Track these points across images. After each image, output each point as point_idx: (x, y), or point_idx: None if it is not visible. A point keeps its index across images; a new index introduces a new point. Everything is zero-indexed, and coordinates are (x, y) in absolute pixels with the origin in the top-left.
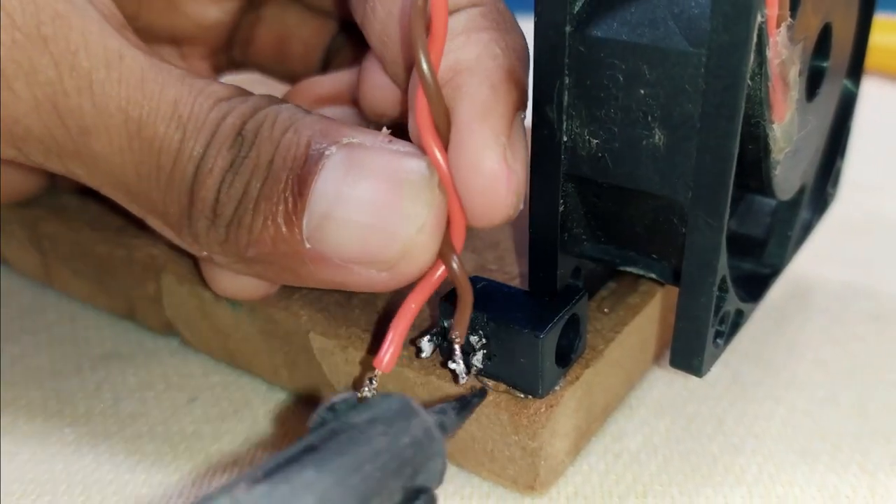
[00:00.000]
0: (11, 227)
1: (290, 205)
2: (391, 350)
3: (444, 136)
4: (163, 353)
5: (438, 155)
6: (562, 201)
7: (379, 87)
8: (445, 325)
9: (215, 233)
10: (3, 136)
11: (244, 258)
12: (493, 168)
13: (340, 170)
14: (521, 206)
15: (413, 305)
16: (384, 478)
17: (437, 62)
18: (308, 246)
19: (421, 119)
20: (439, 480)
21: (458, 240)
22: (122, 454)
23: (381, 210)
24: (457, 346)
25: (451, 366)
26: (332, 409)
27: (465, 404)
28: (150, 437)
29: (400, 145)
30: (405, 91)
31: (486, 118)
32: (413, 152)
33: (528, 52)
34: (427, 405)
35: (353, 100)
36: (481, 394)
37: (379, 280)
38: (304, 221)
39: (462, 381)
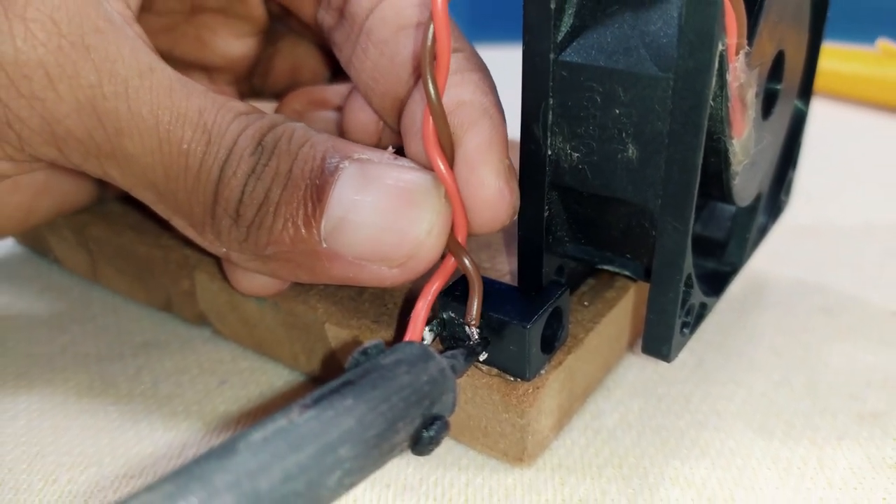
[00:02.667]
0: (62, 230)
1: (309, 209)
2: (419, 328)
3: (449, 153)
4: (196, 341)
5: (443, 166)
6: (547, 207)
7: (362, 122)
8: (444, 316)
9: (237, 232)
10: (46, 137)
11: (262, 256)
12: (500, 186)
13: (355, 180)
14: (515, 216)
15: (429, 297)
16: (407, 407)
17: (442, 90)
18: (325, 245)
19: (428, 137)
20: (451, 410)
21: (462, 240)
22: (160, 430)
23: (394, 214)
24: (473, 329)
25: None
26: (364, 353)
27: (472, 351)
28: (184, 416)
29: (405, 161)
30: (392, 121)
31: (492, 146)
32: (417, 167)
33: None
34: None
35: (338, 106)
36: (485, 343)
37: (388, 276)
38: (322, 223)
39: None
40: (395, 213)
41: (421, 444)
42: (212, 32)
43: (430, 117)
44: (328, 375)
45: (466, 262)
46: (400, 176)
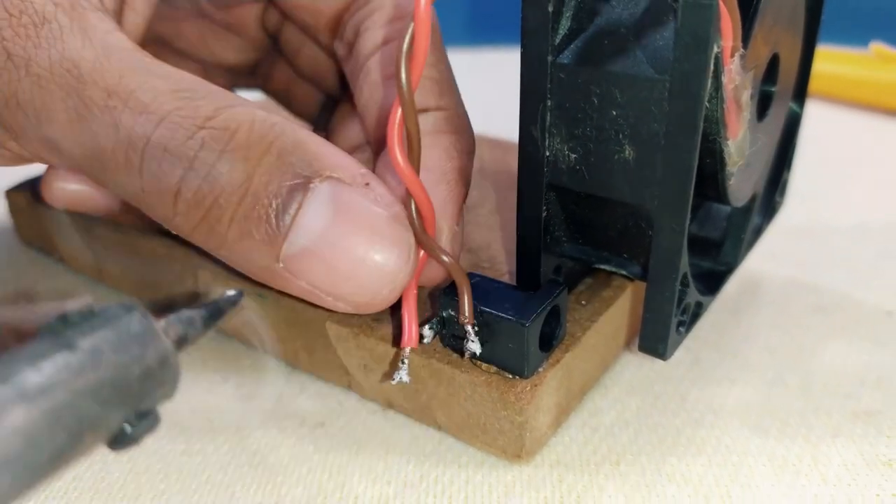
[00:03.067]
0: (69, 231)
1: (269, 231)
2: (413, 328)
3: (416, 158)
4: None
5: (404, 165)
6: (545, 208)
7: (352, 134)
8: (444, 315)
9: (180, 224)
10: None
11: (213, 252)
12: (445, 242)
13: (325, 208)
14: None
15: (412, 294)
16: (104, 411)
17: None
18: (281, 265)
19: (392, 139)
20: (171, 396)
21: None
22: (166, 426)
23: (363, 267)
24: (469, 328)
25: (468, 345)
26: (63, 319)
27: (216, 312)
28: (189, 412)
29: (376, 185)
30: (375, 150)
31: (443, 208)
32: (389, 198)
33: (474, 149)
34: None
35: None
36: (234, 298)
37: (341, 308)
38: (283, 248)
39: (475, 355)
40: (365, 265)
41: (119, 444)
42: (213, 37)
43: (400, 123)
44: (329, 376)
45: (447, 260)
46: (371, 211)
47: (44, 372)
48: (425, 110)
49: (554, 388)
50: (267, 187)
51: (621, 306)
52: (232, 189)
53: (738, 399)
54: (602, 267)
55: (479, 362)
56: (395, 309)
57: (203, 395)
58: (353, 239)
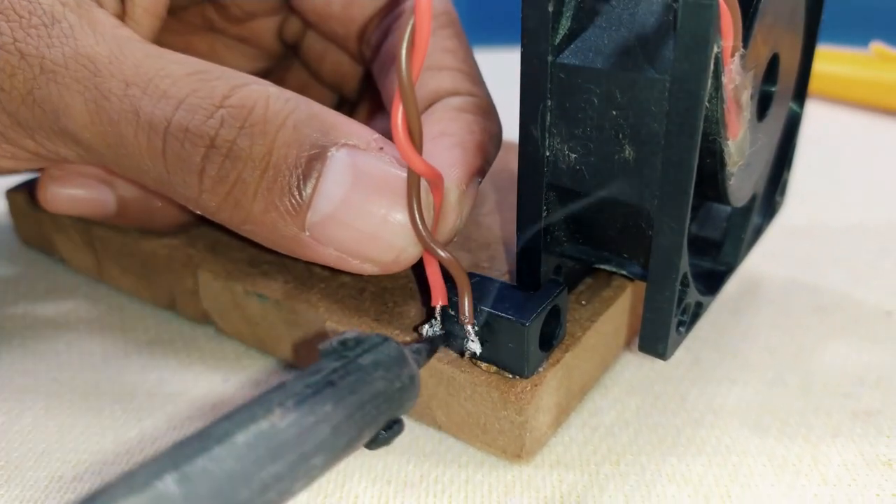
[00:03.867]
0: (68, 231)
1: (294, 201)
2: (441, 285)
3: (417, 143)
4: (200, 339)
5: (415, 157)
6: (544, 208)
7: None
8: (444, 313)
9: (205, 202)
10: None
11: (238, 228)
12: (452, 202)
13: (344, 174)
14: (456, 238)
15: (433, 262)
16: (378, 414)
17: (417, 71)
18: (307, 234)
19: (396, 124)
20: (412, 407)
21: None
22: (164, 427)
23: (387, 226)
24: (469, 327)
25: (469, 345)
26: (343, 343)
27: (432, 348)
28: (188, 413)
29: (389, 149)
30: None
31: (454, 168)
32: (402, 163)
33: (500, 138)
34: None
35: None
36: (445, 338)
37: (368, 270)
38: (308, 216)
39: (475, 355)
40: (387, 222)
41: (375, 444)
42: (225, 49)
43: (401, 104)
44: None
45: (445, 256)
46: (388, 172)
47: (343, 383)
48: (456, 93)
49: (554, 388)
50: (287, 159)
51: (621, 306)
52: (254, 163)
53: (738, 399)
54: (602, 267)
55: (479, 362)
56: (394, 316)
57: (204, 393)
58: (373, 201)
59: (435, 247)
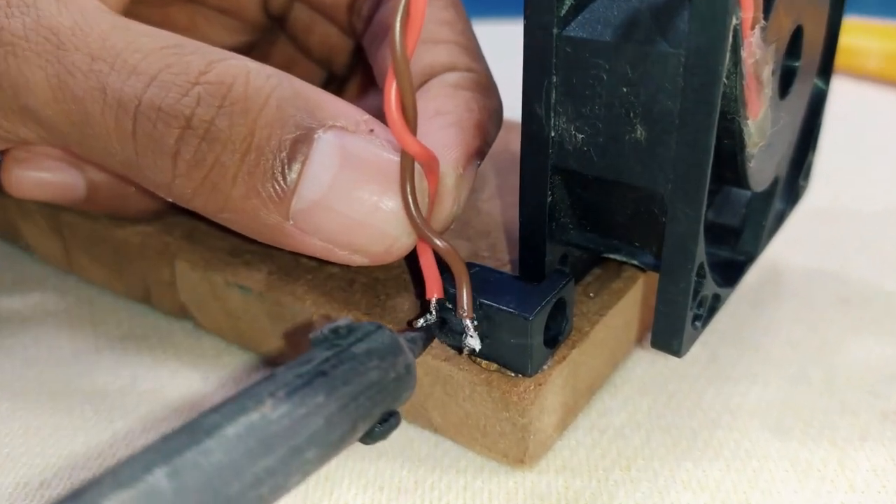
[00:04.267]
0: (34, 216)
1: (277, 187)
2: (435, 276)
3: (412, 123)
4: (177, 335)
5: (409, 138)
6: (550, 193)
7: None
8: (440, 305)
9: (179, 188)
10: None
11: (216, 216)
12: (448, 187)
13: (332, 157)
14: (453, 225)
15: (427, 251)
16: (372, 406)
17: (411, 48)
18: (291, 223)
19: (389, 102)
20: (408, 399)
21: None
22: (139, 430)
23: (378, 214)
24: (467, 322)
25: (467, 341)
26: (335, 331)
27: (429, 337)
28: (164, 414)
29: (380, 131)
30: None
31: (450, 150)
32: (394, 146)
33: (501, 117)
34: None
35: None
36: (442, 325)
37: (358, 261)
38: (293, 203)
39: (474, 352)
40: (375, 207)
41: (371, 438)
42: (205, 21)
43: (395, 80)
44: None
45: (441, 244)
46: (379, 156)
47: (335, 372)
48: (453, 69)
49: (560, 387)
50: (270, 141)
51: (632, 298)
52: (234, 146)
53: (759, 398)
54: (612, 256)
55: (478, 359)
56: (386, 310)
57: (181, 393)
58: (363, 187)
59: (430, 235)
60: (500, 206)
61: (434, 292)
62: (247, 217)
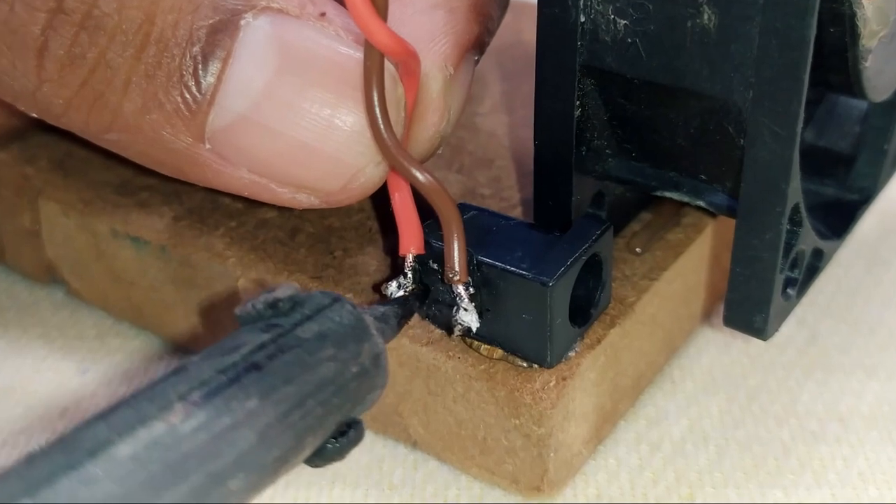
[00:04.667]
0: None
1: (188, 94)
2: (414, 225)
3: (381, 4)
4: (43, 306)
5: (377, 25)
6: (578, 104)
7: None
8: (420, 265)
9: (47, 92)
10: None
11: (99, 138)
12: (433, 94)
13: (270, 56)
14: (441, 150)
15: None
16: (325, 413)
17: None
18: (207, 147)
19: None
20: (375, 402)
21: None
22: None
23: (330, 130)
24: (460, 289)
25: (460, 316)
26: (274, 306)
27: (408, 310)
28: (25, 421)
29: (336, 19)
30: None
31: (435, 41)
32: (360, 38)
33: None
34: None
35: None
36: (423, 296)
37: (305, 203)
38: (210, 119)
39: (469, 332)
40: (329, 124)
41: (321, 458)
42: None
43: None
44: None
45: (422, 178)
46: (333, 51)
47: (274, 366)
48: None
49: (593, 384)
50: (177, 30)
51: (697, 256)
52: (125, 37)
53: (878, 399)
54: (667, 195)
55: (475, 343)
56: (343, 271)
57: (49, 391)
58: (311, 94)
59: (406, 164)
60: (508, 124)
61: (411, 246)
62: (144, 140)
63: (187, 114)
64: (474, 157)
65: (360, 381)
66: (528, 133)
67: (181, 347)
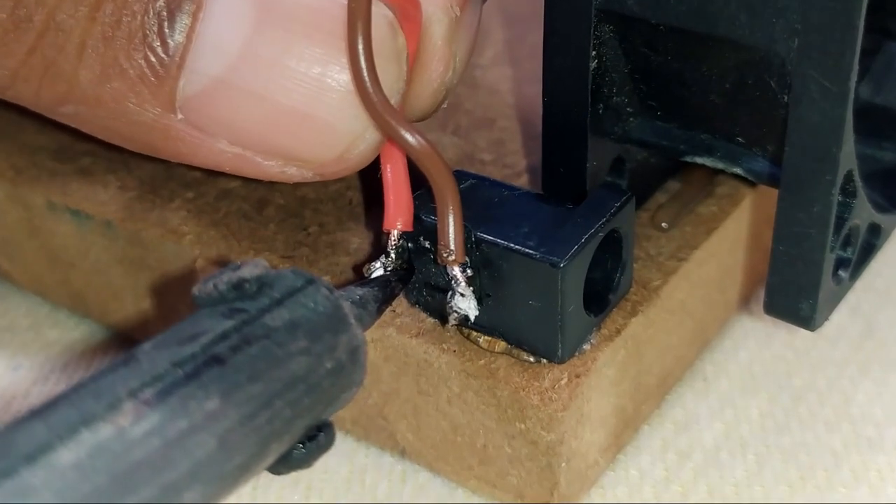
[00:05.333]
0: None
1: (155, 55)
2: (404, 196)
3: None
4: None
5: None
6: (594, 54)
7: None
8: (412, 246)
9: None
10: None
11: (54, 111)
12: (436, 41)
13: (245, 9)
14: (445, 104)
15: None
16: (293, 417)
17: None
18: (179, 117)
19: None
20: (349, 401)
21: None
22: None
23: (322, 92)
24: (456, 271)
25: (456, 302)
26: (237, 286)
27: (389, 293)
28: None
29: None
30: None
31: None
32: None
33: None
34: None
35: None
36: (405, 275)
37: (296, 177)
38: (180, 85)
39: (467, 321)
40: (320, 84)
41: (286, 464)
42: None
43: None
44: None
45: (413, 140)
46: (333, 7)
47: (238, 360)
48: None
49: (611, 382)
50: None
51: (733, 232)
52: None
53: None
54: (697, 161)
55: (474, 334)
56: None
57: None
58: (297, 50)
59: (395, 123)
60: (512, 77)
61: (398, 220)
62: (106, 112)
63: (153, 80)
64: (473, 116)
65: (334, 378)
66: (535, 89)
67: (129, 339)
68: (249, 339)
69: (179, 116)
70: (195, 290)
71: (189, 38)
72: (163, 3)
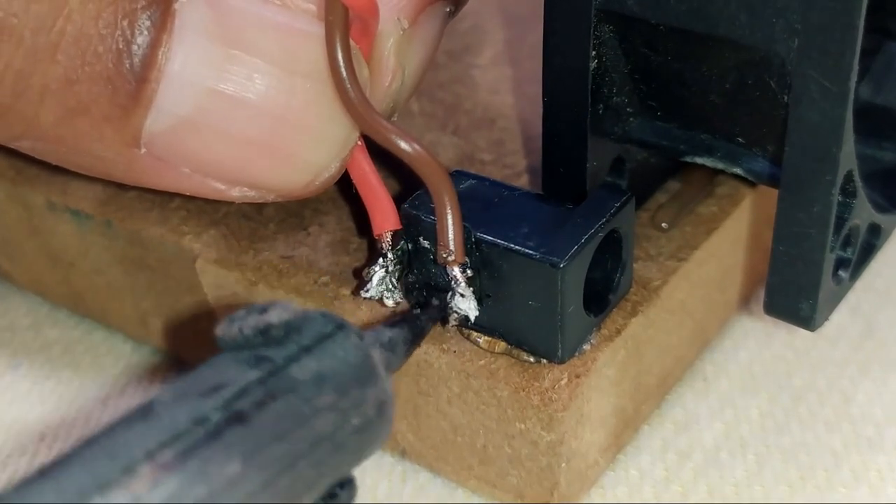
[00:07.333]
0: None
1: (120, 96)
2: (385, 202)
3: None
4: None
5: None
6: (594, 54)
7: None
8: (409, 247)
9: None
10: None
11: (9, 143)
12: (383, 56)
13: (207, 36)
14: (396, 116)
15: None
16: (317, 478)
17: None
18: (144, 151)
19: None
20: (371, 456)
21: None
22: None
23: (286, 124)
24: (456, 271)
25: (456, 302)
26: (264, 332)
27: (418, 333)
28: None
29: None
30: None
31: None
32: (321, 4)
33: None
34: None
35: None
36: (436, 312)
37: (255, 199)
38: (147, 123)
39: (467, 321)
40: (289, 119)
41: None
42: None
43: None
44: (198, 355)
45: (403, 145)
46: (292, 26)
47: (262, 418)
48: None
49: (611, 382)
50: (98, 22)
51: (732, 233)
52: (34, 26)
53: None
54: (697, 161)
55: (473, 334)
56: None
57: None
58: (261, 83)
59: (384, 130)
60: (512, 78)
61: (385, 224)
62: (66, 148)
63: (119, 120)
64: (472, 116)
65: (360, 434)
66: (535, 89)
67: (129, 339)
68: (275, 394)
69: (143, 151)
70: (218, 331)
71: (156, 78)
72: (127, 44)
